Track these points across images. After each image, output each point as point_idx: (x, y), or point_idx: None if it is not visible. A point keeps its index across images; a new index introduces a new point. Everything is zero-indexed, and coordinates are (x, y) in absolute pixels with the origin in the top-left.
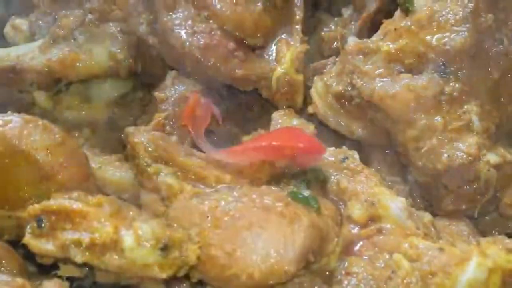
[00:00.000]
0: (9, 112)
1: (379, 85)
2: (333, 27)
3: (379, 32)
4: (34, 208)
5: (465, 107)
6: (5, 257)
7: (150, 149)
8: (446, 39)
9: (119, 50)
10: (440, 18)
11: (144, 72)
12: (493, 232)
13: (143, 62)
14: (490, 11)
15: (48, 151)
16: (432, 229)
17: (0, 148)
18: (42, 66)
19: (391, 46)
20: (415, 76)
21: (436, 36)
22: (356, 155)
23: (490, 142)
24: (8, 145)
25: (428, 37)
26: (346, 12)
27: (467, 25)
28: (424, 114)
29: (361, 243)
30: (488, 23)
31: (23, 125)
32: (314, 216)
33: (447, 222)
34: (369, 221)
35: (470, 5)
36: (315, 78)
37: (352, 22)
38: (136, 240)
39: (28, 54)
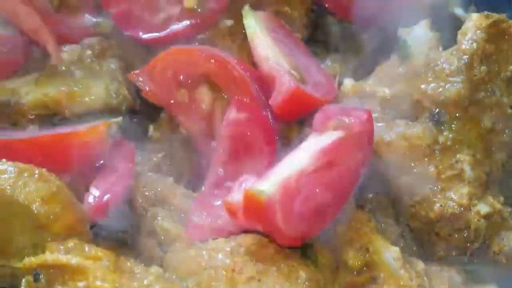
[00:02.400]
0: (4, 160)
1: (374, 130)
2: (329, 63)
3: (374, 74)
4: (31, 261)
5: (458, 156)
6: None
7: (147, 193)
8: (440, 89)
9: (118, 87)
10: (435, 68)
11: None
12: (483, 275)
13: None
14: (483, 63)
15: (43, 201)
16: (425, 278)
17: None
18: (37, 102)
19: (387, 92)
20: (409, 123)
21: (431, 85)
22: (352, 200)
23: (481, 191)
24: (2, 196)
25: (423, 86)
26: (342, 49)
27: (461, 77)
28: (418, 163)
29: None
30: (482, 75)
31: (18, 175)
32: (311, 269)
33: (439, 267)
34: (364, 268)
35: (465, 57)
36: None
37: (347, 59)
38: None
39: (23, 87)
